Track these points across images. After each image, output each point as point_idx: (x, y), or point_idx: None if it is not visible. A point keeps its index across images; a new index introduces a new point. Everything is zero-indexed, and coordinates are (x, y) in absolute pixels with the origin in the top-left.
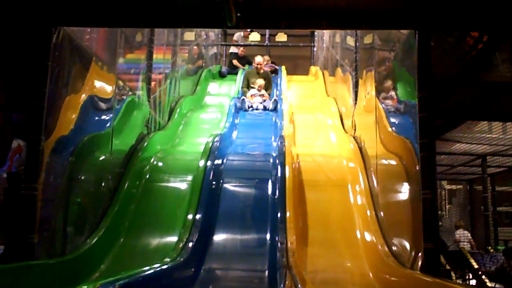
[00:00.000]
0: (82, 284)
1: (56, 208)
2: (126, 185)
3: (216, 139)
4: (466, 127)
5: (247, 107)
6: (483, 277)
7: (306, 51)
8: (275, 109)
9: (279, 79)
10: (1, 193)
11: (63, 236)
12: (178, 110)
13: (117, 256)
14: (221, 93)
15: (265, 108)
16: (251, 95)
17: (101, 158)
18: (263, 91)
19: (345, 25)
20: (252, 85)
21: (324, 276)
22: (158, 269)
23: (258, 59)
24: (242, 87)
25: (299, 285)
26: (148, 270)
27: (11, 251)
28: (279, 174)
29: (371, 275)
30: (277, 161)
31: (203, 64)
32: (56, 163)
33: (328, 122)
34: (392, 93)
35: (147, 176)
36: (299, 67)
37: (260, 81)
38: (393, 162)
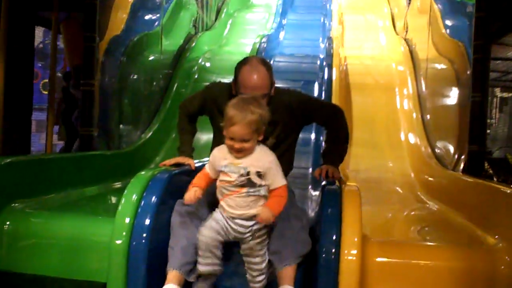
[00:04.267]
0: (140, 172)
1: (112, 105)
2: (176, 84)
3: (263, 40)
4: None
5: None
6: None
7: None
8: None
9: None
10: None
11: (119, 131)
12: (225, 10)
13: (170, 150)
14: None
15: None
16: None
17: (151, 58)
18: (251, 172)
19: None
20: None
21: (367, 175)
22: (207, 162)
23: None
24: (179, 123)
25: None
26: (197, 163)
27: (71, 144)
28: (325, 76)
29: (412, 175)
30: (324, 63)
31: None
32: (110, 62)
33: (379, 23)
34: None
35: (196, 76)
36: None
37: (238, 130)
38: (444, 66)
